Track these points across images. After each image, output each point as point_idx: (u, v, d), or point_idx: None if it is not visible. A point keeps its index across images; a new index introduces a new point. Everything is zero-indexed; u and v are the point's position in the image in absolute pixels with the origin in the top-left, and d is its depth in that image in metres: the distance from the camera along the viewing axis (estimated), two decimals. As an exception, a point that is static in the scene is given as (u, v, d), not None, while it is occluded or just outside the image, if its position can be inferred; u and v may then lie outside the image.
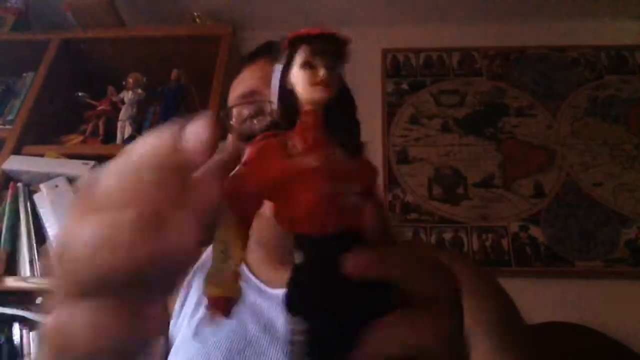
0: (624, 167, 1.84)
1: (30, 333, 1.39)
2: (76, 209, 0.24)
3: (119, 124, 1.76)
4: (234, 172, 0.27)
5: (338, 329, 0.26)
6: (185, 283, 0.72)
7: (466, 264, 0.69)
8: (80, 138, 1.77)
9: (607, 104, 1.96)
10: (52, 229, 1.45)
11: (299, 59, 0.28)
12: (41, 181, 1.52)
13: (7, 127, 1.73)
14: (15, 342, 1.38)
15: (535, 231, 1.76)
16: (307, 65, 0.28)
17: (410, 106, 2.03)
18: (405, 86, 2.07)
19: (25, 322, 1.40)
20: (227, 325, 0.61)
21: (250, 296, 0.65)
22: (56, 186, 1.50)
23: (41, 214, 1.49)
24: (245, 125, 0.63)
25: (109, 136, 1.77)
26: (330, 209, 0.26)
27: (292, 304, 0.27)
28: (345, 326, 0.26)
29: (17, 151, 1.62)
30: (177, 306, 0.71)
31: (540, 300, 1.63)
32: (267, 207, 0.28)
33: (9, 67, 1.96)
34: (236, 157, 0.27)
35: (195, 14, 2.08)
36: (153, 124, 1.77)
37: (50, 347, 0.24)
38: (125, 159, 0.25)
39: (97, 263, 0.21)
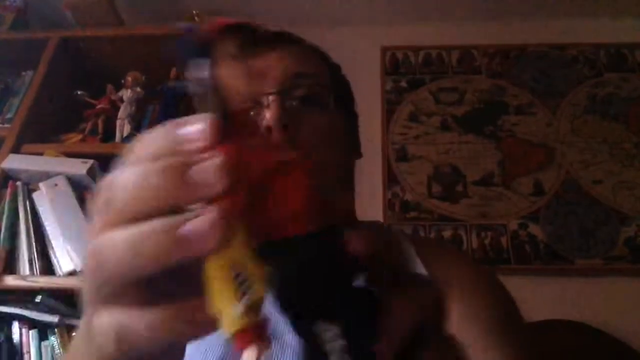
0: (624, 165, 1.84)
1: (30, 332, 1.39)
2: (98, 221, 0.25)
3: (118, 123, 1.75)
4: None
5: (361, 324, 0.26)
6: None
7: (466, 261, 0.69)
8: (80, 136, 1.77)
9: (606, 101, 1.96)
10: (51, 227, 1.45)
11: (228, 49, 0.26)
12: (40, 180, 1.52)
13: (6, 125, 1.73)
14: (14, 341, 1.38)
15: (534, 229, 1.76)
16: (237, 57, 0.27)
17: (409, 104, 2.03)
18: (404, 84, 2.07)
19: (24, 321, 1.40)
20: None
21: None
22: (55, 185, 1.50)
23: (40, 213, 1.49)
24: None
25: (108, 134, 1.77)
26: (316, 204, 0.26)
27: (299, 311, 0.25)
28: (361, 319, 0.26)
29: (16, 150, 1.62)
30: None
31: (539, 298, 1.63)
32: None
33: (8, 66, 1.95)
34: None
35: (194, 12, 2.07)
36: (152, 123, 1.77)
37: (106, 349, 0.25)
38: (133, 162, 0.25)
39: (137, 269, 0.23)
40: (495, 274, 0.66)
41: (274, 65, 0.63)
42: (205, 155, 0.24)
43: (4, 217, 1.50)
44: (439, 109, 2.01)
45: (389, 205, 1.84)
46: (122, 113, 1.77)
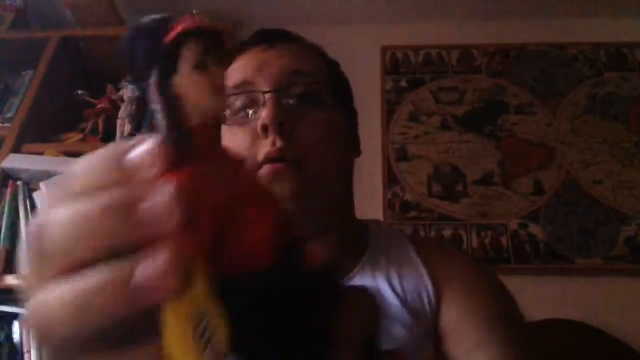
0: (624, 164, 1.84)
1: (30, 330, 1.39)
2: (33, 275, 0.21)
3: (119, 122, 1.75)
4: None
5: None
6: None
7: (466, 261, 0.69)
8: (80, 136, 1.77)
9: (606, 101, 1.96)
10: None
11: (189, 57, 0.23)
12: (41, 179, 1.52)
13: (6, 125, 1.73)
14: (15, 340, 1.39)
15: (534, 229, 1.76)
16: (199, 66, 0.23)
17: (409, 103, 2.03)
18: (404, 83, 2.06)
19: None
20: None
21: None
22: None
23: (40, 212, 1.49)
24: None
25: (109, 134, 1.77)
26: (282, 234, 0.23)
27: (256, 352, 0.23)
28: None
29: (16, 149, 1.62)
30: None
31: (539, 297, 1.63)
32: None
33: (8, 66, 1.95)
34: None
35: (194, 11, 2.06)
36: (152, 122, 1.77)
37: None
38: (69, 198, 0.21)
39: (85, 328, 0.20)
40: (495, 273, 0.66)
41: (271, 63, 0.63)
42: (157, 185, 0.20)
43: (4, 216, 1.50)
44: (439, 109, 2.00)
45: (389, 204, 1.84)
46: (122, 112, 1.77)
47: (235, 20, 1.97)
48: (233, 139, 0.62)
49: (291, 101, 0.61)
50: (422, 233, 1.79)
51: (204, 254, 0.21)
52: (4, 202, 1.53)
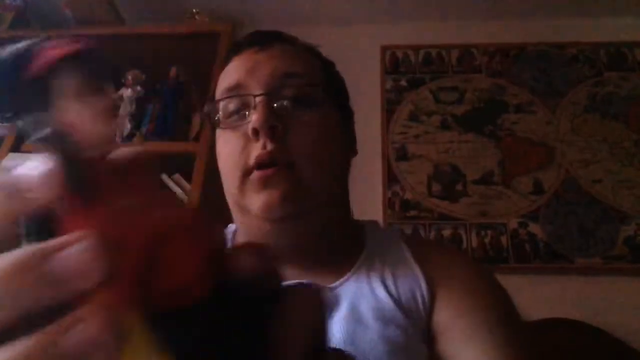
0: (623, 164, 1.84)
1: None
2: None
3: (118, 122, 1.76)
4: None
5: None
6: None
7: (463, 261, 0.69)
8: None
9: (606, 100, 1.96)
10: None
11: (69, 86, 0.20)
12: (40, 179, 1.52)
13: (6, 124, 1.73)
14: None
15: (534, 228, 1.76)
16: (83, 93, 0.20)
17: (409, 103, 2.03)
18: (404, 83, 2.06)
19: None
20: None
21: None
22: (55, 184, 1.50)
23: (40, 212, 1.49)
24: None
25: (108, 133, 1.77)
26: (210, 268, 0.21)
27: None
28: None
29: (16, 149, 1.62)
30: None
31: (539, 297, 1.63)
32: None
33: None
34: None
35: (194, 10, 2.07)
36: (152, 121, 1.77)
37: None
38: None
39: None
40: (492, 273, 0.66)
41: (263, 65, 0.63)
42: (70, 238, 0.18)
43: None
44: (439, 108, 2.00)
45: (389, 204, 1.84)
46: (122, 112, 1.77)
47: (235, 21, 1.97)
48: (226, 142, 0.63)
49: (284, 103, 0.61)
50: (422, 232, 1.79)
51: (132, 300, 0.19)
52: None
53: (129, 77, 1.81)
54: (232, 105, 0.63)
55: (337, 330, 0.56)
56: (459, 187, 1.85)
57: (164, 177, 1.64)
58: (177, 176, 1.64)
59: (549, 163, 1.87)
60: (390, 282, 0.61)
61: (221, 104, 0.64)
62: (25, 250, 0.18)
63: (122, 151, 0.21)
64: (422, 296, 0.60)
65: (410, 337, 0.57)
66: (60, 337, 0.17)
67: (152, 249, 0.20)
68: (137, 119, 1.77)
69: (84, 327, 0.17)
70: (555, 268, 1.70)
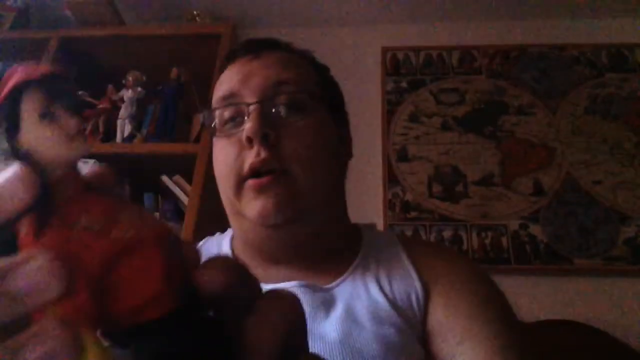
0: (624, 165, 1.84)
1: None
2: None
3: (119, 123, 1.76)
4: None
5: None
6: None
7: (460, 261, 0.69)
8: (80, 136, 1.77)
9: (607, 102, 1.96)
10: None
11: (32, 109, 0.21)
12: (41, 179, 1.52)
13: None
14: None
15: (534, 229, 1.76)
16: (46, 116, 0.21)
17: (410, 104, 2.03)
18: (405, 84, 2.07)
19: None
20: None
21: None
22: (56, 184, 1.50)
23: (41, 213, 1.49)
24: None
25: (109, 134, 1.77)
26: (172, 281, 0.21)
27: None
28: None
29: None
30: None
31: (539, 298, 1.63)
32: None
33: (9, 66, 1.95)
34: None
35: (195, 12, 2.08)
36: (153, 122, 1.77)
37: None
38: None
39: None
40: (487, 273, 0.67)
41: (256, 73, 0.64)
42: (22, 255, 0.19)
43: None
44: (440, 110, 2.01)
45: (389, 205, 1.84)
46: (122, 113, 1.77)
47: (236, 22, 1.98)
48: (221, 150, 0.64)
49: (277, 110, 0.62)
50: (422, 234, 1.79)
51: (89, 316, 0.19)
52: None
53: (130, 78, 1.81)
54: (227, 114, 0.64)
55: (333, 330, 0.57)
56: (460, 188, 1.85)
57: (165, 178, 1.65)
58: (177, 177, 1.65)
59: (549, 164, 1.87)
60: (385, 283, 0.62)
61: (217, 113, 0.66)
62: None
63: (86, 170, 0.22)
64: (417, 297, 0.60)
65: (406, 337, 0.57)
66: (17, 352, 0.17)
67: (107, 266, 0.20)
68: (137, 120, 1.77)
69: (40, 342, 0.17)
70: (556, 269, 1.70)
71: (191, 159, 1.57)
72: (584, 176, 1.83)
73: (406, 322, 0.58)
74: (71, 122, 0.21)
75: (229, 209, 0.66)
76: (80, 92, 1.87)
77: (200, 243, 0.76)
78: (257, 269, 0.66)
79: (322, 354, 0.54)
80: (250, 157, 0.60)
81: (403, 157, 1.93)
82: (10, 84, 0.21)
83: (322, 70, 0.72)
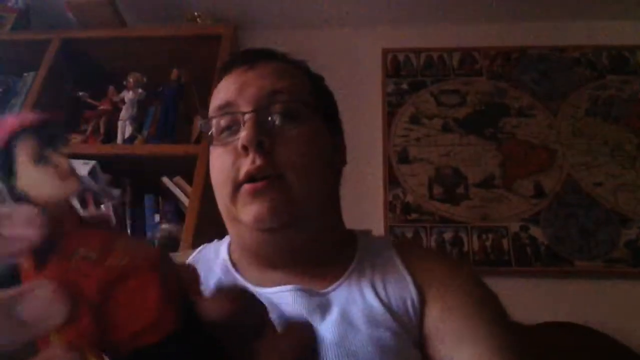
0: (624, 167, 1.84)
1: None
2: None
3: (120, 124, 1.76)
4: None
5: None
6: None
7: (454, 265, 0.70)
8: (81, 137, 1.77)
9: (608, 104, 1.96)
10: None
11: (26, 155, 0.22)
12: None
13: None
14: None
15: (535, 231, 1.76)
16: (41, 160, 0.22)
17: (410, 106, 2.03)
18: (405, 86, 2.07)
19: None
20: None
21: None
22: (57, 186, 1.50)
23: (42, 214, 1.49)
24: None
25: (110, 136, 1.77)
26: (170, 304, 0.22)
27: None
28: None
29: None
30: None
31: (540, 300, 1.63)
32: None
33: (10, 67, 1.96)
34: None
35: (196, 13, 2.08)
36: (153, 124, 1.77)
37: None
38: None
39: None
40: (479, 276, 0.67)
41: (251, 83, 0.66)
42: (27, 285, 0.20)
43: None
44: (440, 111, 2.01)
45: (390, 207, 1.84)
46: (123, 114, 1.77)
47: (237, 23, 1.98)
48: (218, 157, 0.66)
49: (272, 119, 0.64)
50: (423, 235, 1.79)
51: (92, 341, 0.21)
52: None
53: (131, 80, 1.81)
54: (223, 122, 0.66)
55: (329, 333, 0.58)
56: (460, 190, 1.85)
57: (166, 179, 1.65)
58: (178, 178, 1.65)
59: (550, 166, 1.86)
60: (380, 289, 0.63)
61: (213, 122, 0.67)
62: None
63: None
64: (412, 301, 0.61)
65: (402, 341, 0.58)
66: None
67: (105, 293, 0.21)
68: (138, 122, 1.77)
69: None
70: (557, 271, 1.70)
71: (192, 161, 1.57)
72: (584, 178, 1.83)
73: (402, 326, 0.59)
74: (63, 163, 0.23)
75: (226, 216, 0.68)
76: (81, 94, 1.88)
77: (197, 250, 0.77)
78: (254, 273, 0.67)
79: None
80: (246, 165, 0.61)
81: (404, 158, 1.93)
82: (5, 132, 0.22)
83: (316, 80, 0.74)
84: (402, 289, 0.63)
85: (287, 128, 0.64)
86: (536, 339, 1.47)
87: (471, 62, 2.09)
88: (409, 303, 0.61)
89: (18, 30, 1.99)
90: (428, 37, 2.15)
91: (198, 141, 1.66)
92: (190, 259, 0.74)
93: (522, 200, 1.81)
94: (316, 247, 0.66)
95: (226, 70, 0.71)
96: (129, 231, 1.61)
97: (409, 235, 1.79)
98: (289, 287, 0.62)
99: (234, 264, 0.70)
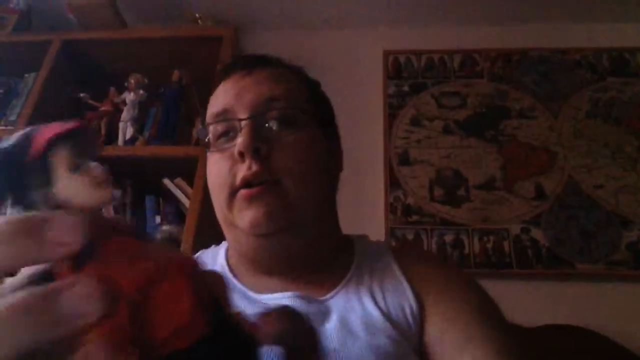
0: (625, 169, 1.83)
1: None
2: None
3: (121, 125, 1.76)
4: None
5: None
6: None
7: (451, 270, 0.71)
8: (82, 139, 1.77)
9: (608, 105, 1.96)
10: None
11: (62, 164, 0.23)
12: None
13: (9, 127, 1.74)
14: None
15: (536, 233, 1.76)
16: (76, 167, 0.23)
17: (411, 108, 2.03)
18: (406, 88, 2.07)
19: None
20: None
21: (236, 301, 0.65)
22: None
23: (42, 215, 1.49)
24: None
25: (111, 137, 1.77)
26: (201, 309, 0.23)
27: None
28: None
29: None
30: None
31: (541, 302, 1.63)
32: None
33: (11, 68, 1.96)
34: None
35: (197, 14, 2.08)
36: (154, 125, 1.77)
37: None
38: None
39: None
40: (477, 281, 0.68)
41: (248, 89, 0.66)
42: (66, 280, 0.21)
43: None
44: (441, 113, 2.01)
45: (391, 209, 1.84)
46: (124, 115, 1.77)
47: (238, 25, 1.98)
48: (215, 163, 0.66)
49: (269, 125, 0.64)
50: (423, 237, 1.79)
51: (128, 339, 0.21)
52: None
53: (132, 81, 1.81)
54: (220, 129, 0.67)
55: (328, 340, 0.57)
56: (461, 192, 1.85)
57: (166, 181, 1.65)
58: (179, 180, 1.65)
59: (551, 168, 1.86)
60: (379, 297, 0.63)
61: (210, 128, 0.68)
62: (31, 291, 0.21)
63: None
64: (411, 309, 0.61)
65: (402, 348, 0.58)
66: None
67: (143, 291, 0.22)
68: (139, 123, 1.77)
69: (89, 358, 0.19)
70: (558, 273, 1.70)
71: (193, 162, 1.57)
72: (585, 180, 1.83)
73: (401, 334, 0.59)
74: (98, 171, 0.24)
75: (223, 221, 0.68)
76: (82, 95, 1.88)
77: (196, 256, 0.77)
78: (251, 279, 0.67)
79: None
80: (243, 171, 0.61)
81: (404, 160, 1.93)
82: (41, 142, 0.23)
83: (313, 86, 0.74)
84: (400, 296, 0.63)
85: (283, 134, 0.64)
86: (537, 342, 1.47)
87: (472, 64, 2.09)
88: (407, 311, 0.61)
89: (19, 32, 1.99)
90: (429, 38, 2.15)
91: (199, 143, 1.66)
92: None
93: (523, 202, 1.81)
94: (313, 253, 0.66)
95: (223, 76, 0.71)
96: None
97: (410, 237, 1.79)
98: (287, 293, 0.62)
99: (231, 270, 0.70)
